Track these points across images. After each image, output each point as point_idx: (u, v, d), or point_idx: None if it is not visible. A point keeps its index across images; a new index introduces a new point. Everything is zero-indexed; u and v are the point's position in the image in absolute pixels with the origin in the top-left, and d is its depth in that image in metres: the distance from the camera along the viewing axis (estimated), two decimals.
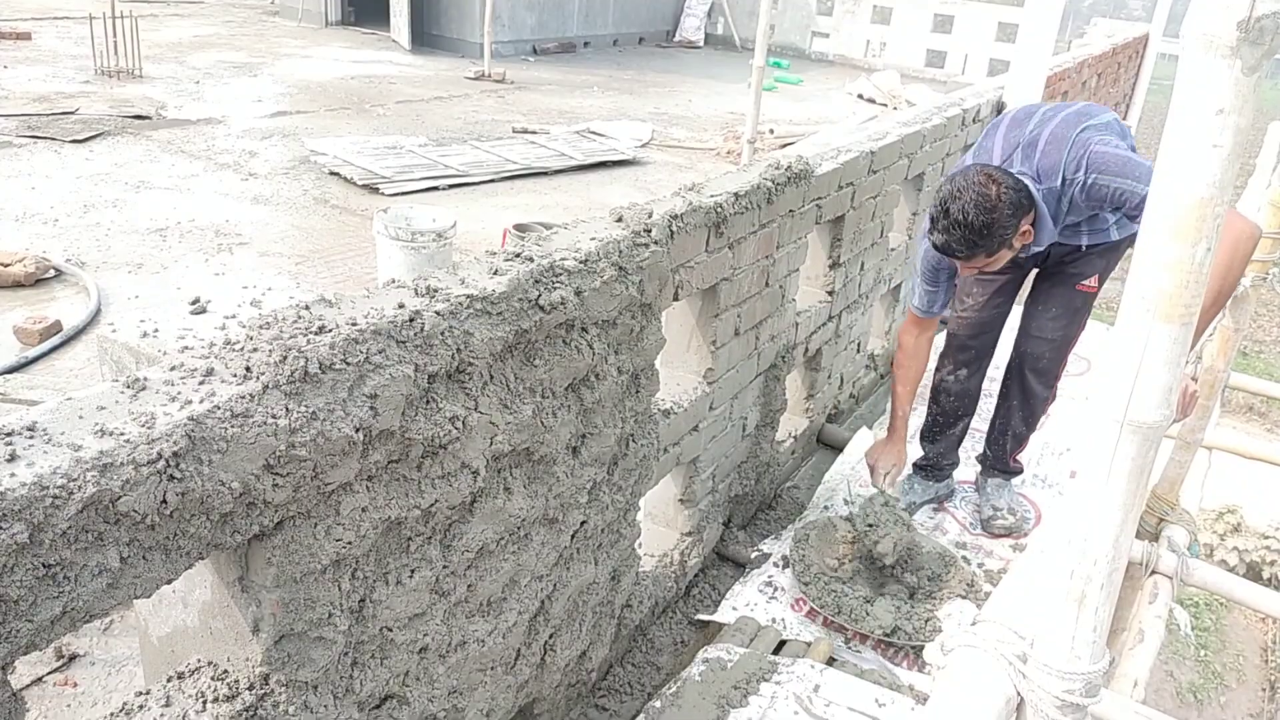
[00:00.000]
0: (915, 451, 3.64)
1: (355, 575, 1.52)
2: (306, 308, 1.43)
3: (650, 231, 2.12)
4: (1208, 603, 6.46)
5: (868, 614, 2.80)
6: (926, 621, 2.80)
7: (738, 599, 2.90)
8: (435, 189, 8.66)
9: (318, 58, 14.49)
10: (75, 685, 3.06)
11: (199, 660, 1.48)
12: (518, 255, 1.81)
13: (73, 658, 3.16)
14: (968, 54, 18.66)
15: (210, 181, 8.33)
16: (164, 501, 1.14)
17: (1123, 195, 2.57)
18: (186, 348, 1.51)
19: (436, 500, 1.62)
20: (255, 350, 1.31)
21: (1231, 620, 6.57)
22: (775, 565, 3.05)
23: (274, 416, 1.26)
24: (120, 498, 1.10)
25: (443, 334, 1.53)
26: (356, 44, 16.20)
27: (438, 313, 1.52)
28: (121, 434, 1.13)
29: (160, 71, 12.28)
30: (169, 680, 1.45)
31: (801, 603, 2.90)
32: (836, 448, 3.79)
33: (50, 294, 5.96)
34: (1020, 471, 3.47)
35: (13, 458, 1.06)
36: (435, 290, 1.58)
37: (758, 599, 2.91)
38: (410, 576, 1.64)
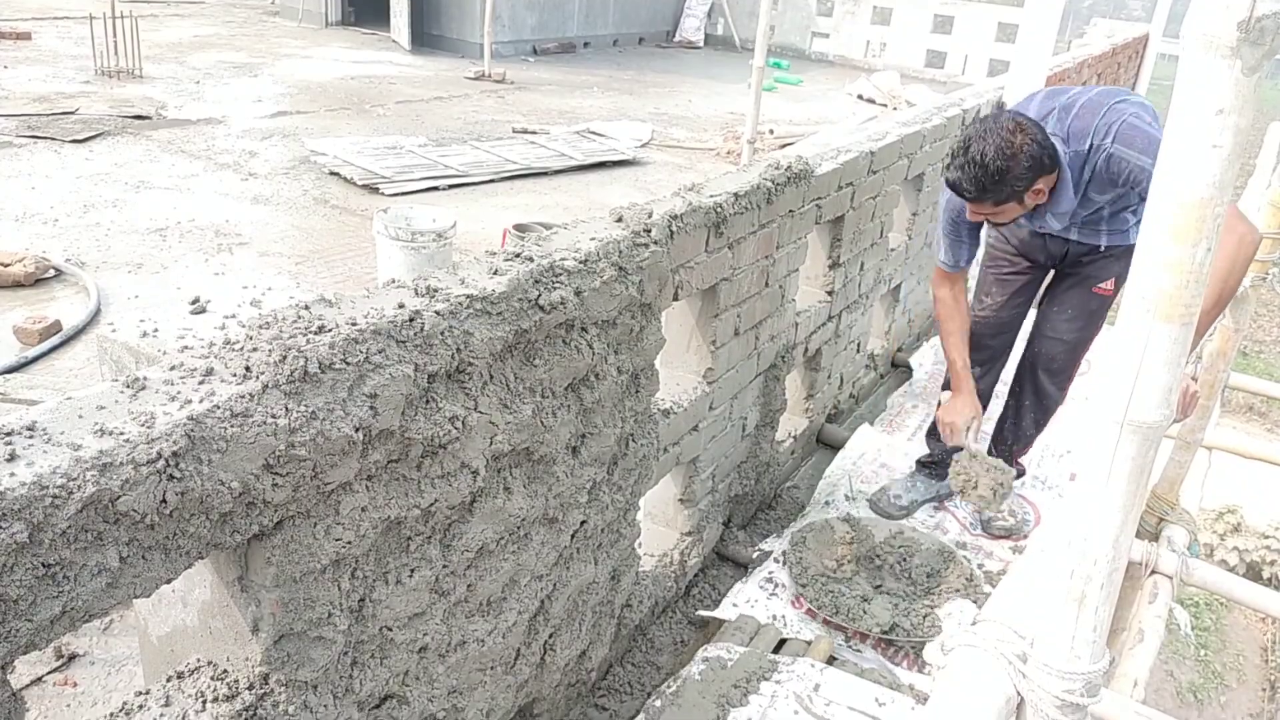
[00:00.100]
0: (920, 448, 3.64)
1: (355, 575, 1.52)
2: (306, 307, 1.43)
3: (650, 231, 2.12)
4: (1208, 603, 6.46)
5: (865, 612, 2.81)
6: (925, 618, 2.81)
7: (738, 595, 2.91)
8: (435, 189, 8.65)
9: (318, 58, 14.48)
10: (75, 685, 3.05)
11: (198, 660, 1.48)
12: (518, 255, 1.81)
13: (72, 657, 3.15)
14: (968, 54, 18.63)
15: (210, 181, 8.33)
16: (164, 501, 1.14)
17: (1140, 174, 2.55)
18: (186, 347, 1.52)
19: (436, 500, 1.62)
20: (255, 350, 1.31)
21: (1231, 620, 6.57)
22: (776, 561, 3.05)
23: (274, 416, 1.26)
24: (120, 497, 1.10)
25: (442, 334, 1.53)
26: (356, 44, 16.19)
27: (438, 313, 1.52)
28: (121, 434, 1.13)
29: (160, 71, 12.27)
30: (169, 680, 1.45)
31: (801, 600, 2.90)
32: (836, 447, 3.79)
33: (50, 294, 5.95)
34: (1023, 473, 3.47)
35: (13, 457, 1.06)
36: (435, 290, 1.58)
37: (758, 595, 2.91)
38: (410, 576, 1.64)
